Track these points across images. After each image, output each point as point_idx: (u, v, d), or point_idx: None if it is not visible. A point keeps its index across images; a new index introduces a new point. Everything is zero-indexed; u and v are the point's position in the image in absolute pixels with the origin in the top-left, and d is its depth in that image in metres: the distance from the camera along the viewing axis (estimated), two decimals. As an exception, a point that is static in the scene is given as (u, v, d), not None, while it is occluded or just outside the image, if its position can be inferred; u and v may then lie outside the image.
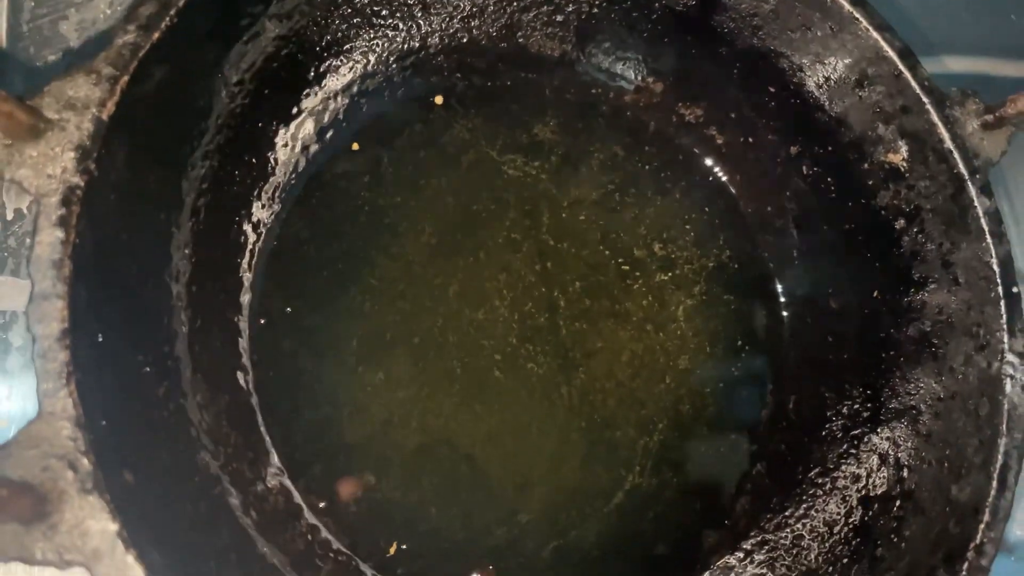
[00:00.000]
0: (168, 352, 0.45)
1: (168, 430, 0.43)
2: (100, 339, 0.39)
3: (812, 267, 0.58)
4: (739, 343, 0.57)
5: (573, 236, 0.57)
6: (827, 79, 0.54)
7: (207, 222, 0.49)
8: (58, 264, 0.37)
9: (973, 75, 0.65)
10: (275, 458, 0.50)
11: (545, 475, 0.54)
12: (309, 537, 0.49)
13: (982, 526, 0.44)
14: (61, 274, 0.37)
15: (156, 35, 0.40)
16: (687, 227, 0.59)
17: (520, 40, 0.58)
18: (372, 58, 0.56)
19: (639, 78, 0.60)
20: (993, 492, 0.44)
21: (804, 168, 0.57)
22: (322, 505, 0.50)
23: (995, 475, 0.44)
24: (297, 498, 0.49)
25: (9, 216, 0.56)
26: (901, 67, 0.50)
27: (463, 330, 0.55)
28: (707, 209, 0.60)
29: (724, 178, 0.60)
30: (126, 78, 0.40)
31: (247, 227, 0.52)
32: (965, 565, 0.43)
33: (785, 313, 0.59)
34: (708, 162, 0.60)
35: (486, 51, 0.58)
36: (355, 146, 0.56)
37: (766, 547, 0.53)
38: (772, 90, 0.56)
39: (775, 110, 0.57)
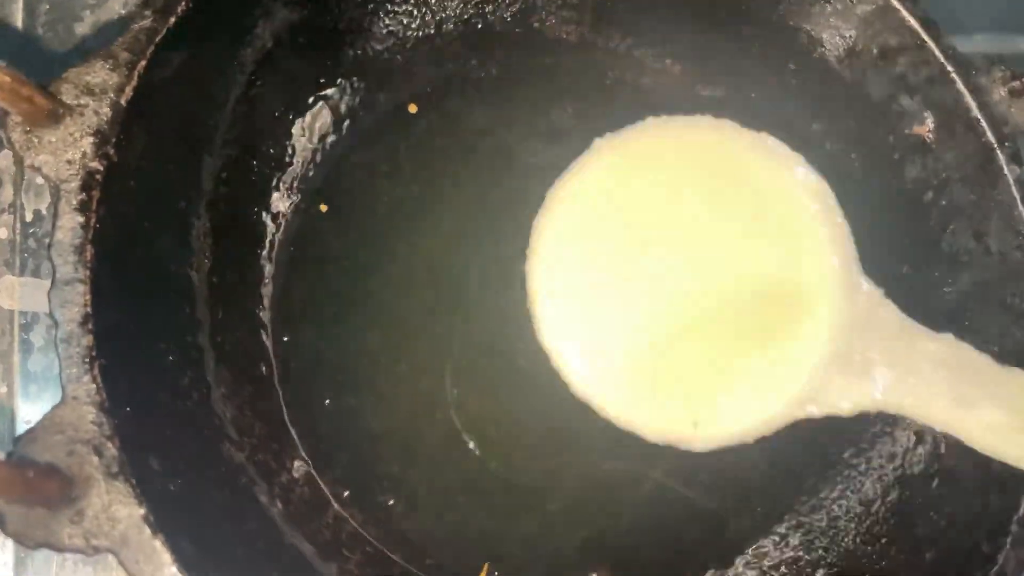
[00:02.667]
0: (191, 342, 0.45)
1: (193, 419, 0.43)
2: (122, 326, 0.38)
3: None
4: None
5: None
6: (848, 52, 0.53)
7: (226, 212, 0.49)
8: (79, 249, 0.37)
9: (992, 55, 0.64)
10: (300, 449, 0.49)
11: (573, 464, 0.53)
12: (336, 527, 0.48)
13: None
14: (83, 259, 0.37)
15: (172, 20, 0.40)
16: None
17: (535, 25, 0.58)
18: (386, 45, 0.56)
19: (657, 60, 0.59)
20: (1034, 464, 0.43)
21: (828, 144, 0.56)
22: (347, 495, 0.50)
23: (1036, 446, 0.43)
24: (323, 489, 0.49)
25: (28, 217, 0.56)
26: (924, 36, 0.49)
27: (486, 319, 0.54)
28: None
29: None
30: (143, 63, 0.40)
31: (267, 218, 0.52)
32: (1008, 539, 0.42)
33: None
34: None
35: (501, 36, 0.57)
36: (372, 135, 0.56)
37: (801, 530, 0.52)
38: (792, 67, 0.56)
39: (796, 87, 0.57)
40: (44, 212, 0.56)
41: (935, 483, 0.47)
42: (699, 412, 0.39)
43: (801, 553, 0.51)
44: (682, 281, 0.39)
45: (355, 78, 0.55)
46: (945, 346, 0.37)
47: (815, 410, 0.37)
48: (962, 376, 0.36)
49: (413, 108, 0.56)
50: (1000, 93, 0.49)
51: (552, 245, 0.40)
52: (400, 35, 0.56)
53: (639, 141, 0.42)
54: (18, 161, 0.56)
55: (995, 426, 0.36)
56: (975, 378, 0.36)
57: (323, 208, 0.54)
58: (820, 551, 0.50)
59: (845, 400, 0.37)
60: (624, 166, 0.41)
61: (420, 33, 0.56)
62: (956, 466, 0.47)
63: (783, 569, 0.50)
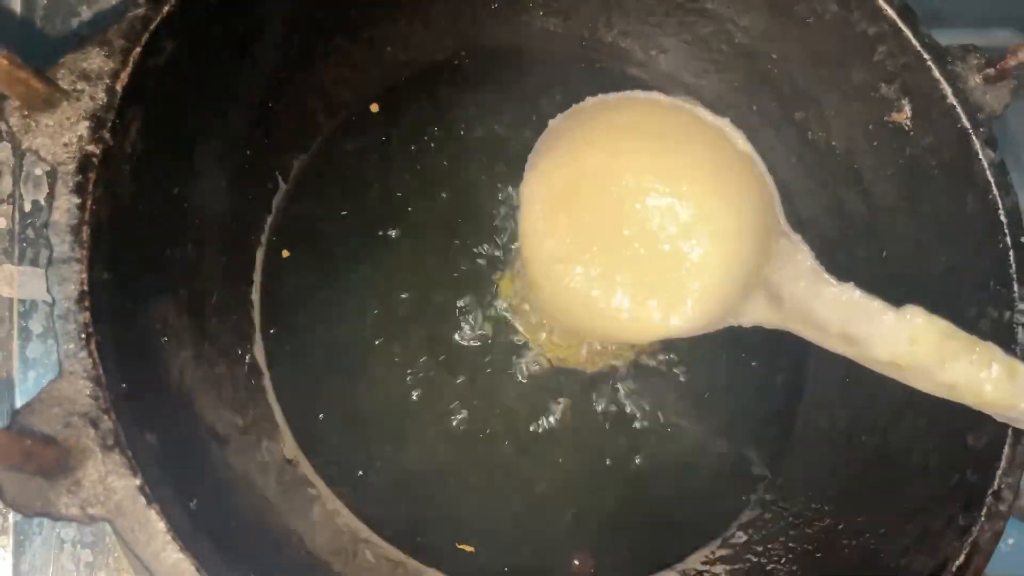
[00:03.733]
0: (185, 323, 0.46)
1: (187, 396, 0.44)
2: (118, 304, 0.39)
3: (820, 229, 0.58)
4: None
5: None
6: (827, 40, 0.54)
7: (220, 198, 0.50)
8: (76, 229, 0.38)
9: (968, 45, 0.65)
10: (289, 431, 0.50)
11: (560, 441, 0.54)
12: (326, 505, 0.49)
13: (999, 472, 0.43)
14: (79, 238, 0.38)
15: (167, 8, 0.41)
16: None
17: (525, 18, 0.59)
18: (377, 36, 0.57)
19: (643, 52, 0.60)
20: (1009, 439, 0.44)
21: (809, 134, 0.58)
22: (337, 475, 0.50)
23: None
24: (313, 468, 0.50)
25: (27, 207, 0.57)
26: (901, 25, 0.50)
27: (477, 303, 0.55)
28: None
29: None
30: (138, 50, 0.41)
31: (260, 204, 0.53)
32: (984, 511, 0.43)
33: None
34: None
35: (491, 28, 0.59)
36: (363, 124, 0.57)
37: (784, 503, 0.53)
38: (774, 56, 0.57)
39: (780, 78, 0.58)
40: (42, 202, 0.57)
41: (913, 457, 0.49)
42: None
43: (783, 524, 0.52)
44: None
45: (346, 69, 0.56)
46: (841, 291, 0.42)
47: (745, 321, 0.45)
48: (851, 317, 0.42)
49: (403, 97, 0.58)
50: (975, 80, 0.50)
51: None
52: (391, 28, 0.57)
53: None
54: (17, 152, 0.57)
55: (880, 361, 0.42)
56: (864, 320, 0.42)
57: (285, 254, 0.55)
58: (804, 527, 0.51)
59: (754, 316, 0.45)
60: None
61: (411, 26, 0.57)
62: (933, 440, 0.48)
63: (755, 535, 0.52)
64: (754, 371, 0.57)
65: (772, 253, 0.44)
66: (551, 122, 0.47)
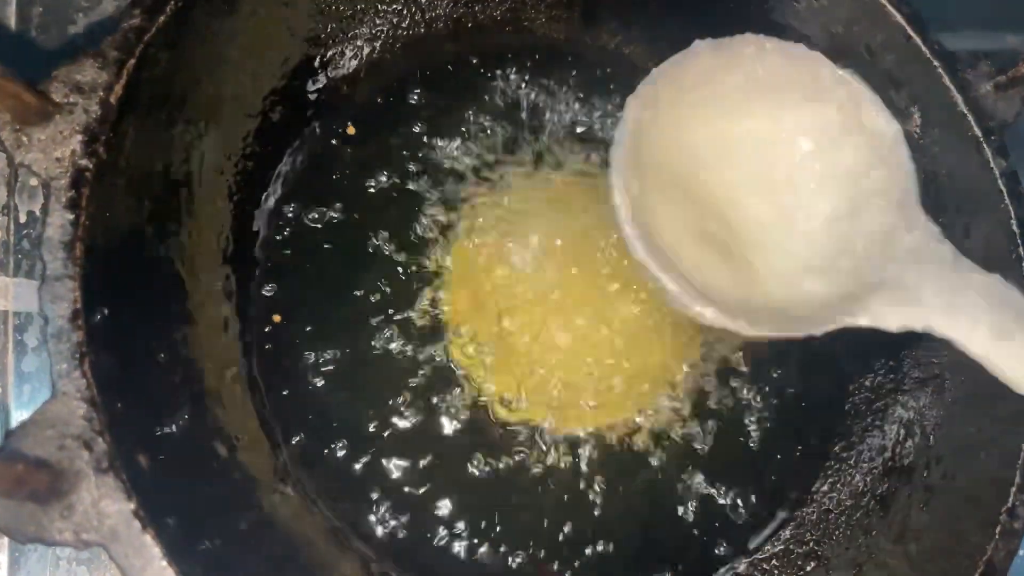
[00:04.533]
0: (181, 339, 0.45)
1: (184, 417, 0.43)
2: (112, 322, 0.39)
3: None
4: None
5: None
6: (835, 49, 0.53)
7: (212, 209, 0.49)
8: (69, 245, 0.37)
9: (978, 51, 0.64)
10: (285, 449, 0.49)
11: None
12: (329, 525, 0.48)
13: (1013, 488, 0.43)
14: (72, 255, 0.37)
15: (161, 19, 0.41)
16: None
17: (525, 23, 0.59)
18: (377, 45, 0.56)
19: (646, 58, 0.60)
20: (1023, 454, 0.43)
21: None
22: (337, 494, 0.50)
23: (1024, 437, 0.43)
24: (312, 489, 0.49)
25: (22, 219, 0.57)
26: (910, 32, 0.49)
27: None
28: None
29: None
30: (132, 62, 0.40)
31: (256, 213, 0.52)
32: (997, 529, 0.42)
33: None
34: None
35: (492, 35, 0.58)
36: (351, 130, 0.56)
37: (792, 523, 0.52)
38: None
39: (784, 84, 0.57)
40: (38, 213, 0.56)
41: (925, 475, 0.48)
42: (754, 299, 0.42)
43: (792, 546, 0.51)
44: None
45: (344, 77, 0.55)
46: (991, 281, 0.39)
47: (865, 320, 0.40)
48: (1003, 310, 0.39)
49: (400, 104, 0.57)
50: (986, 88, 0.49)
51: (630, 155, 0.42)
52: (390, 34, 0.56)
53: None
54: (11, 163, 0.56)
55: None
56: (1015, 314, 0.38)
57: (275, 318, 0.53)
58: (811, 544, 0.50)
59: (894, 317, 0.40)
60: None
61: (411, 32, 0.57)
62: (945, 458, 0.47)
63: (774, 562, 0.51)
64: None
65: (900, 245, 0.41)
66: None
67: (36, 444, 0.34)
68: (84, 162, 0.38)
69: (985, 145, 0.48)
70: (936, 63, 0.49)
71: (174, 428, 0.42)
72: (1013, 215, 0.47)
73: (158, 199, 0.44)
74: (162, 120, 0.43)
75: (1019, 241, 0.46)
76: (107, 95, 0.39)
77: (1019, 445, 0.43)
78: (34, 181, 0.56)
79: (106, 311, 0.38)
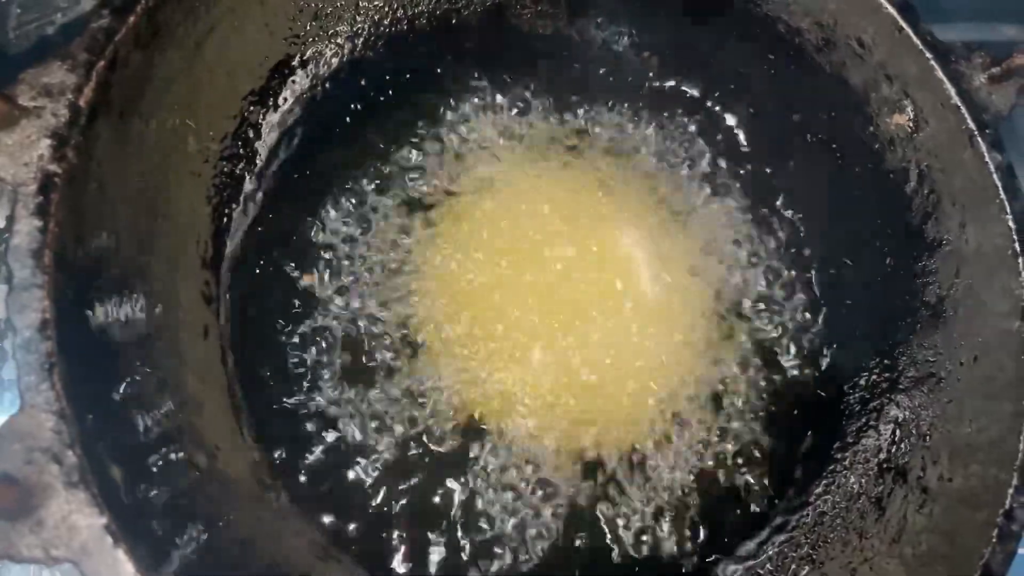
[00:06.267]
0: (156, 349, 0.44)
1: (160, 427, 0.42)
2: (83, 333, 0.38)
3: (822, 237, 0.57)
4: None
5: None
6: (826, 41, 0.52)
7: (190, 213, 0.48)
8: (37, 254, 0.36)
9: (972, 42, 0.63)
10: (265, 464, 0.48)
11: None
12: (307, 539, 0.47)
13: (1011, 490, 0.41)
14: (41, 263, 0.36)
15: (131, 19, 0.39)
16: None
17: (511, 20, 0.57)
18: (359, 43, 0.55)
19: (635, 53, 0.59)
20: (1021, 455, 0.42)
21: (808, 135, 0.56)
22: (323, 515, 0.49)
23: (1022, 438, 0.42)
24: (293, 498, 0.48)
25: (1, 223, 0.55)
26: (902, 23, 0.48)
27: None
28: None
29: (727, 146, 0.59)
30: (102, 63, 0.39)
31: (236, 217, 0.51)
32: (995, 532, 0.41)
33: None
34: (709, 131, 0.59)
35: (476, 31, 0.57)
36: (340, 132, 0.55)
37: (787, 528, 0.51)
38: (771, 57, 0.55)
39: (775, 78, 0.56)
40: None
41: (921, 476, 0.47)
42: None
43: (786, 549, 0.50)
44: None
45: (326, 74, 0.54)
46: None
47: None
48: None
49: (383, 100, 0.56)
50: (980, 79, 0.48)
51: None
52: (372, 31, 0.55)
53: None
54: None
55: None
56: None
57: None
58: (806, 548, 0.49)
59: None
60: None
61: (393, 29, 0.56)
62: (942, 459, 0.46)
63: (768, 567, 0.50)
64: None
65: None
66: None
67: (3, 459, 0.33)
68: (53, 167, 0.37)
69: (979, 139, 0.47)
70: (928, 55, 0.48)
71: (150, 439, 0.41)
72: (1008, 210, 0.46)
73: (132, 204, 0.42)
74: (135, 123, 0.42)
75: (1015, 236, 0.45)
76: (76, 97, 0.38)
77: (1017, 446, 0.42)
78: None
79: (76, 320, 0.37)
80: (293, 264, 0.53)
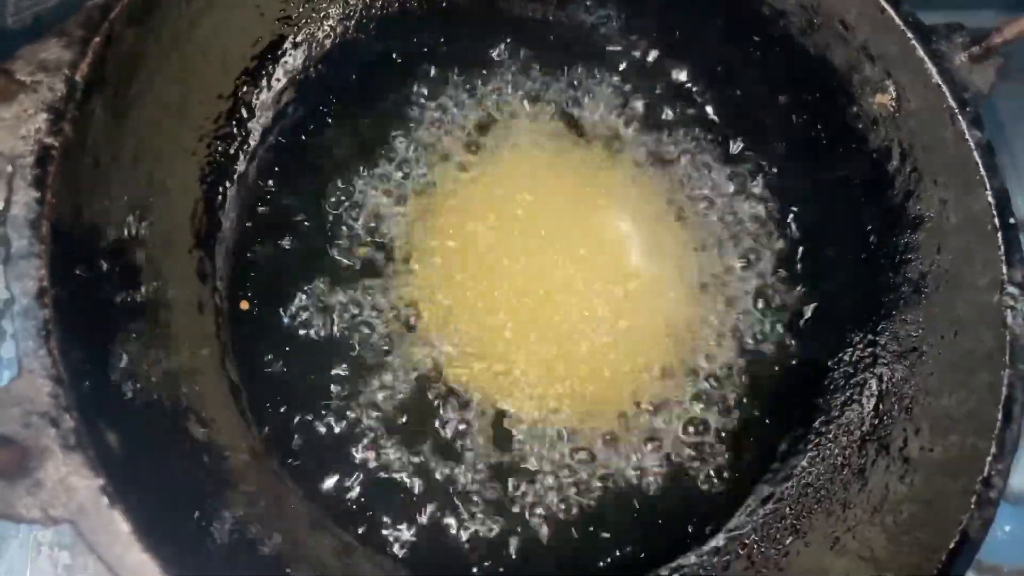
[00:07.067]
0: (150, 318, 0.45)
1: (156, 396, 0.42)
2: (79, 300, 0.38)
3: (806, 215, 0.58)
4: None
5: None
6: (810, 23, 0.53)
7: (184, 190, 0.49)
8: (35, 223, 0.37)
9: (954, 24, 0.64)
10: (256, 430, 0.49)
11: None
12: (299, 506, 0.48)
13: (989, 458, 0.42)
14: (38, 233, 0.37)
15: (126, -4, 0.40)
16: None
17: (502, 4, 0.58)
18: (350, 24, 0.56)
19: (623, 36, 0.59)
20: (999, 425, 0.43)
21: (793, 117, 0.57)
22: (311, 475, 0.49)
23: (1000, 407, 0.43)
24: (285, 469, 0.49)
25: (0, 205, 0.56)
26: (884, 4, 0.49)
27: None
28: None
29: (713, 128, 0.60)
30: (98, 39, 0.39)
31: (229, 195, 0.52)
32: (974, 498, 0.42)
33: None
34: (697, 111, 0.60)
35: (466, 14, 0.58)
36: (333, 112, 0.56)
37: (771, 499, 0.52)
38: (756, 39, 0.56)
39: (760, 60, 0.57)
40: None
41: (902, 447, 0.47)
42: None
43: (770, 520, 0.51)
44: None
45: (317, 56, 0.55)
46: None
47: None
48: None
49: (376, 83, 0.56)
50: (961, 59, 0.49)
51: None
52: (364, 14, 0.56)
53: None
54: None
55: None
56: None
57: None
58: (790, 518, 0.50)
59: None
60: None
61: (385, 11, 0.56)
62: (923, 430, 0.47)
63: (754, 536, 0.50)
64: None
65: None
66: None
67: (1, 422, 0.34)
68: (49, 140, 0.38)
69: (960, 117, 0.48)
70: (910, 34, 0.49)
71: (145, 406, 0.41)
72: (988, 187, 0.47)
73: (127, 179, 0.43)
74: (130, 99, 0.43)
75: (994, 212, 0.46)
76: (72, 73, 0.39)
77: (995, 416, 0.43)
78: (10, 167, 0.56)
79: (72, 289, 0.38)
80: (286, 241, 0.53)
